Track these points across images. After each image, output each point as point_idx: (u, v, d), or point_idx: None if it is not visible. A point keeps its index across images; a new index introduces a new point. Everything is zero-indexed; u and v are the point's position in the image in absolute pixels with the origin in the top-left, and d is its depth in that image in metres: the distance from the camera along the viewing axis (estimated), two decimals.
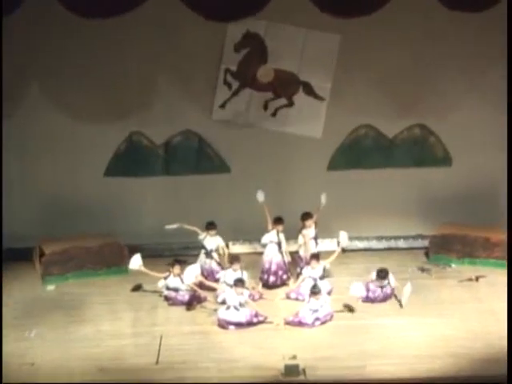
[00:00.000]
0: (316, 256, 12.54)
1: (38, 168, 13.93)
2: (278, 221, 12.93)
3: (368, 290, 12.34)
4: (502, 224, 13.38)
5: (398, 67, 13.48)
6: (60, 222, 13.66)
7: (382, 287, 12.17)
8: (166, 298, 12.50)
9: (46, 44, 13.16)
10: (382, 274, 12.21)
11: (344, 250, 12.94)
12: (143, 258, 12.67)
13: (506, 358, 9.96)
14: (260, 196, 12.95)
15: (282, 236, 13.00)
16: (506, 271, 12.86)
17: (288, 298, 12.62)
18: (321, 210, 12.95)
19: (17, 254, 13.68)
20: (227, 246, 13.38)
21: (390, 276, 12.23)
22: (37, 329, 11.70)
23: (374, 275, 12.42)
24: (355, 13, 12.13)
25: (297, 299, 12.44)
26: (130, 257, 12.77)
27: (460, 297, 12.69)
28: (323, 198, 12.97)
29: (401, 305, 12.16)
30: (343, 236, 12.71)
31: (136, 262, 12.53)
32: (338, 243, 12.83)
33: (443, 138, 14.22)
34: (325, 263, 12.56)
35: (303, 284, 12.41)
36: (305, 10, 12.51)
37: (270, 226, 12.91)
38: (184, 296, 12.38)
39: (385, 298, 12.38)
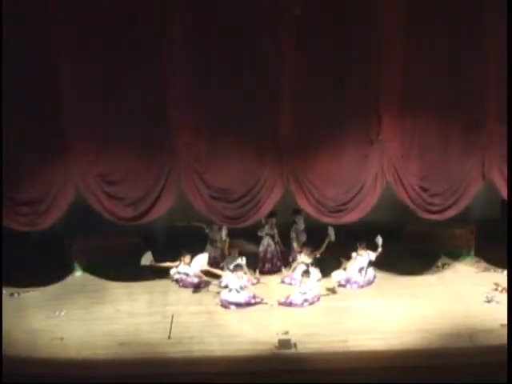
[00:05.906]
0: (307, 245, 13.20)
1: None
2: (270, 215, 13.12)
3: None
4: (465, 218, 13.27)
5: None
6: (88, 218, 12.88)
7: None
8: (177, 281, 13.05)
9: None
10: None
11: (331, 242, 13.13)
12: (158, 247, 13.12)
13: (475, 339, 10.83)
14: None
15: (275, 228, 13.50)
16: (467, 260, 13.63)
17: (283, 282, 13.13)
18: (327, 243, 12.97)
19: (51, 245, 13.67)
20: (230, 236, 13.39)
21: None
22: (65, 309, 12.30)
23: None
24: None
25: (290, 284, 12.95)
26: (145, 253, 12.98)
27: (429, 281, 13.21)
28: (331, 232, 12.90)
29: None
30: (331, 230, 12.99)
31: (147, 258, 12.79)
32: (328, 236, 13.08)
33: None
34: (316, 253, 13.07)
35: (297, 270, 12.88)
36: None
37: (263, 221, 13.28)
38: (193, 279, 12.95)
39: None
